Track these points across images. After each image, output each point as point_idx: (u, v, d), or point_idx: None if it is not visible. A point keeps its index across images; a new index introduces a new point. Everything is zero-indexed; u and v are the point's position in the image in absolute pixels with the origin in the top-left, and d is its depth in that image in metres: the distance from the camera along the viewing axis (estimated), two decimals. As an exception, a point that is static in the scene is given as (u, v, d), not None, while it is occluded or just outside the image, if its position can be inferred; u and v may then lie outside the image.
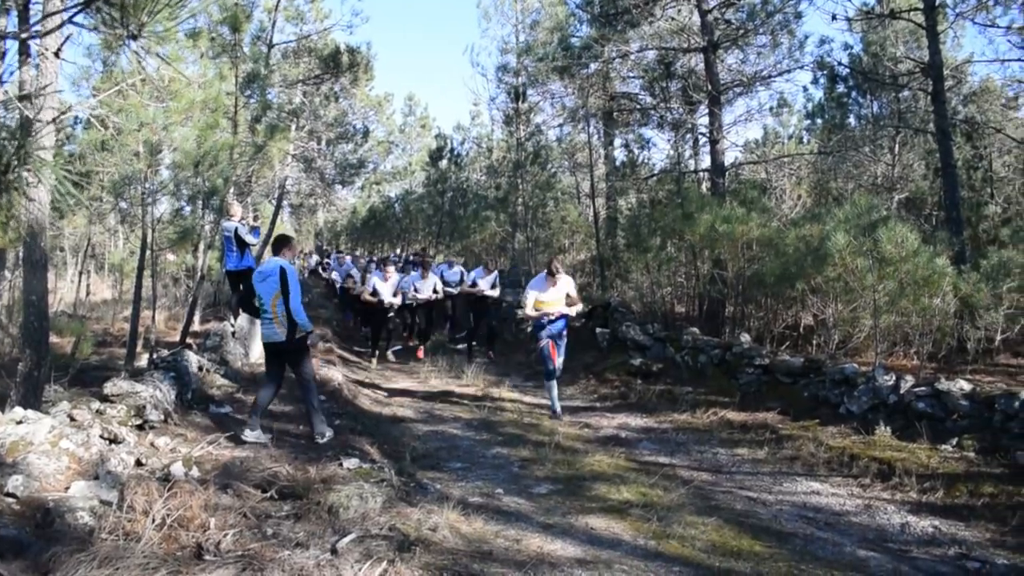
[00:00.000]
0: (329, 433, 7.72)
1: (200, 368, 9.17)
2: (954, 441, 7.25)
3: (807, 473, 7.21)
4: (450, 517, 5.68)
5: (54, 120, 8.18)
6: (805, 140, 23.36)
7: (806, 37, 20.93)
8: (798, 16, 16.51)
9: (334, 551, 4.74)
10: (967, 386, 7.80)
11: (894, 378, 8.33)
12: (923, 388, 8.04)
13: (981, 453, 6.96)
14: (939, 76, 13.44)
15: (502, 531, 5.65)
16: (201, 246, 13.49)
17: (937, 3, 13.80)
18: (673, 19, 17.18)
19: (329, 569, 4.52)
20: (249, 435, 7.32)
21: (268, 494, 5.72)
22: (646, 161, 22.14)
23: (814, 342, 11.06)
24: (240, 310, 11.72)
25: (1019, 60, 15.94)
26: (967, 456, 6.94)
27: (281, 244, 7.96)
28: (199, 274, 13.27)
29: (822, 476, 7.04)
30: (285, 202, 26.17)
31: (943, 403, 7.80)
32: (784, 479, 7.02)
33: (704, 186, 17.95)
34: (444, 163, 27.68)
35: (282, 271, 7.47)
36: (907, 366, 9.77)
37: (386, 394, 11.11)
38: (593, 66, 18.91)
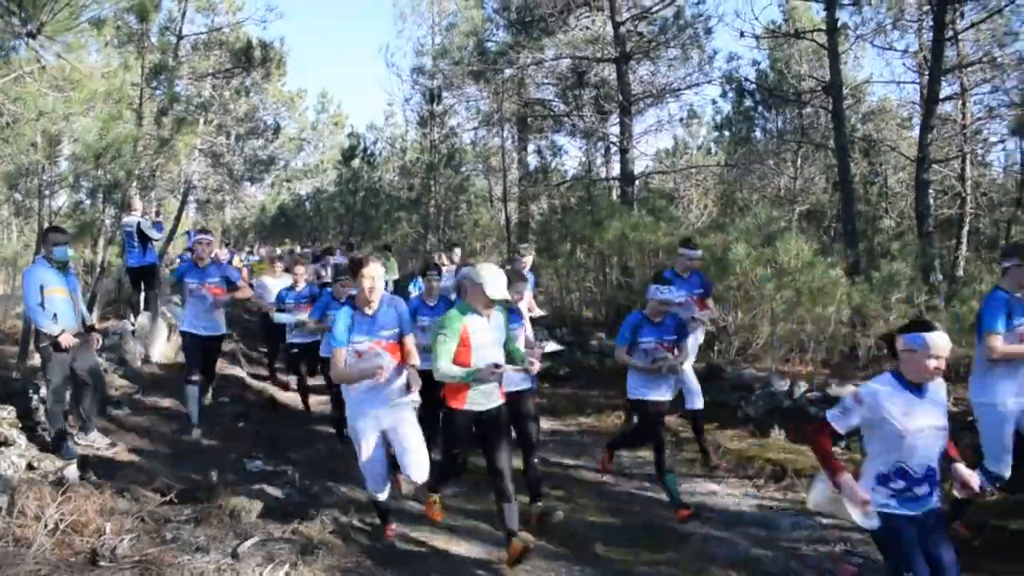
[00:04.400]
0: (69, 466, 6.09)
1: (98, 368, 8.90)
2: (843, 443, 7.59)
3: (706, 475, 7.45)
4: (355, 520, 5.69)
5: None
6: (713, 151, 23.97)
7: (715, 52, 21.47)
8: (708, 31, 17.00)
9: (235, 555, 4.69)
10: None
11: (789, 383, 8.67)
12: (815, 393, 8.40)
13: (867, 455, 7.32)
14: (839, 95, 14.01)
15: (407, 533, 5.69)
16: (101, 241, 13.08)
17: (839, 25, 14.38)
18: (587, 28, 17.44)
19: (230, 573, 4.48)
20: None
21: (168, 498, 5.62)
22: (559, 167, 22.37)
23: (716, 348, 11.38)
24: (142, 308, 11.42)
25: (914, 83, 16.75)
26: (854, 457, 7.26)
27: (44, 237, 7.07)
28: (98, 270, 12.86)
29: (720, 477, 7.29)
30: (191, 197, 25.50)
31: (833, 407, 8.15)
32: (684, 480, 7.21)
33: (615, 194, 18.25)
34: (357, 162, 27.40)
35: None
36: (802, 372, 10.15)
37: (292, 395, 10.97)
38: (508, 71, 19.03)
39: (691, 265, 7.93)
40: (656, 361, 6.31)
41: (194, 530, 5.05)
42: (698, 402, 7.60)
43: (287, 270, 11.62)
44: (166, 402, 9.02)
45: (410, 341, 5.26)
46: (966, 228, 15.45)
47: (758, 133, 22.31)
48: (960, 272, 13.86)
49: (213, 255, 8.66)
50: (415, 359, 5.20)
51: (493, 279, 4.98)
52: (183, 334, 8.14)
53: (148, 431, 7.78)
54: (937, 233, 15.07)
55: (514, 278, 6.29)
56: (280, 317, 9.79)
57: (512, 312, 5.89)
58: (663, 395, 6.43)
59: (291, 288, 10.15)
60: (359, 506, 5.96)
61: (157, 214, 13.32)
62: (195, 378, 7.95)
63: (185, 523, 5.18)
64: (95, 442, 7.04)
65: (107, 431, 7.39)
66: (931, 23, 13.92)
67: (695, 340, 7.81)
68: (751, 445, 7.94)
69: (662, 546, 5.65)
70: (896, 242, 14.66)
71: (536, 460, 6.26)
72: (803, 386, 8.65)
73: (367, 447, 5.23)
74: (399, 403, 5.19)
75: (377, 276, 4.98)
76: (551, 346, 7.50)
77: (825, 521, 6.02)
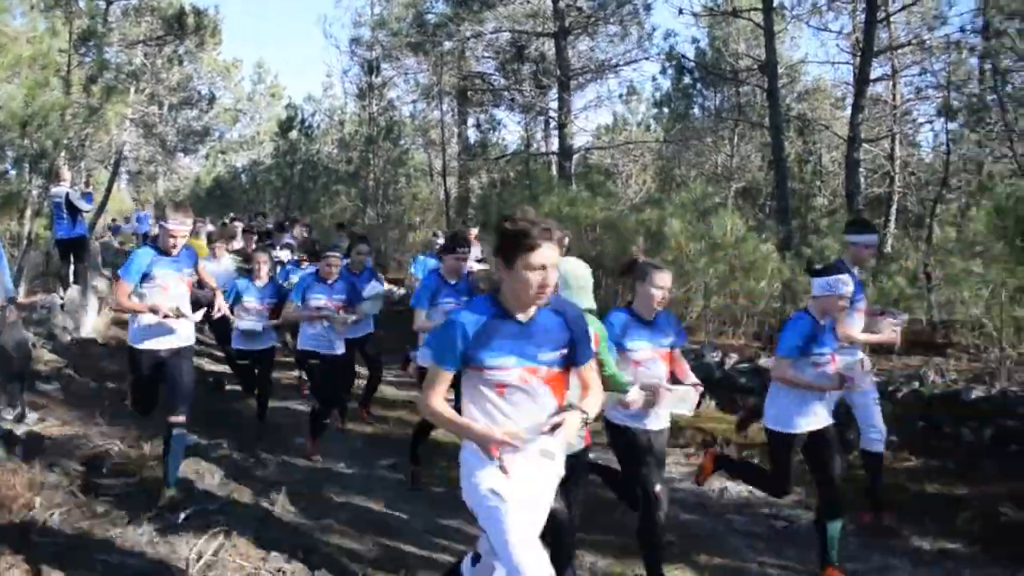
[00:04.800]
0: None
1: (25, 342, 8.67)
2: (745, 433, 7.81)
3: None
4: (291, 491, 5.68)
5: None
6: (653, 128, 24.16)
7: (654, 29, 21.76)
8: (647, 8, 17.24)
9: (169, 526, 4.68)
10: (784, 362, 8.43)
11: (720, 355, 8.87)
12: (746, 364, 8.61)
13: (793, 424, 7.54)
14: (774, 74, 14.22)
15: (344, 503, 5.70)
16: (28, 212, 12.75)
17: (775, 4, 14.58)
18: (527, 2, 17.44)
19: (163, 545, 4.47)
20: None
21: (99, 471, 5.56)
22: (499, 142, 22.39)
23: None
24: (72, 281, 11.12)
25: (847, 63, 17.07)
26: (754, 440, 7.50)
27: None
28: (25, 242, 12.53)
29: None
30: (123, 169, 24.94)
31: (763, 378, 8.37)
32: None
33: (555, 169, 18.35)
34: (294, 134, 27.00)
35: None
36: (734, 344, 10.38)
37: (229, 369, 10.79)
38: (448, 44, 18.95)
39: (867, 256, 5.80)
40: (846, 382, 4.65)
41: (126, 503, 5.01)
42: (878, 442, 5.47)
43: (232, 239, 11.22)
44: (96, 376, 8.85)
45: (590, 372, 3.23)
46: (894, 206, 15.88)
47: (696, 110, 22.58)
48: (888, 249, 14.23)
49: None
50: (598, 393, 3.22)
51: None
52: (136, 352, 5.50)
53: (78, 406, 7.62)
54: (867, 211, 15.42)
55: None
56: (242, 324, 7.79)
57: (632, 319, 4.52)
58: (823, 421, 4.67)
59: (251, 280, 8.03)
60: (292, 477, 5.95)
61: (87, 185, 12.99)
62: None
63: (117, 496, 5.14)
64: (23, 417, 6.90)
65: (36, 406, 7.23)
66: (864, 5, 14.20)
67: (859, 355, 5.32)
68: (682, 415, 8.09)
69: (592, 511, 5.76)
70: (827, 219, 14.99)
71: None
72: (734, 357, 8.86)
73: (517, 528, 2.92)
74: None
75: (554, 265, 2.92)
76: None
77: (752, 488, 6.20)
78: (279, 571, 4.37)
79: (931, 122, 17.62)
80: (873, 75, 14.52)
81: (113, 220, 26.65)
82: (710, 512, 5.79)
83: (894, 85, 16.06)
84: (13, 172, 12.56)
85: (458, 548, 5.04)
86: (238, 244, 11.63)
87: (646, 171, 21.27)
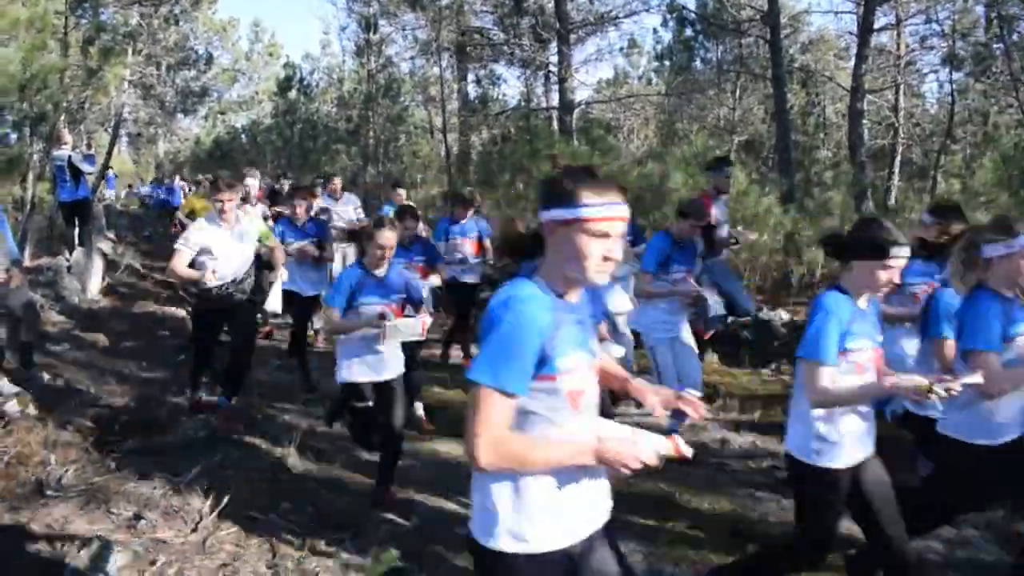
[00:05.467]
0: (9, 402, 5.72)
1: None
2: (773, 365, 7.87)
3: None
4: (299, 446, 5.75)
5: None
6: (654, 81, 23.97)
7: (655, -22, 21.36)
8: (647, -43, 16.91)
9: (181, 481, 4.74)
10: (786, 315, 8.48)
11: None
12: (748, 317, 8.63)
13: (796, 376, 7.61)
14: (776, 24, 14.08)
15: (350, 457, 5.75)
16: (30, 176, 12.75)
17: (778, -48, 14.39)
18: (525, -47, 17.22)
19: (176, 498, 4.52)
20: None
21: (111, 429, 5.62)
22: (499, 97, 22.24)
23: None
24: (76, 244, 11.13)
25: (851, 13, 16.88)
26: (783, 379, 7.55)
27: None
28: (28, 206, 12.54)
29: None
30: (122, 131, 24.85)
31: (765, 331, 8.42)
32: (621, 403, 7.41)
33: (555, 124, 18.25)
34: (293, 93, 26.85)
35: None
36: (737, 298, 10.41)
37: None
38: (445, -1, 18.76)
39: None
40: None
41: (139, 459, 5.07)
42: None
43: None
44: (104, 337, 8.91)
45: None
46: (898, 158, 15.82)
47: (698, 63, 22.37)
48: (892, 201, 14.21)
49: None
50: None
51: None
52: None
53: (88, 366, 7.69)
54: (871, 163, 15.38)
55: None
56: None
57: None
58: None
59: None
60: (302, 433, 6.00)
61: (88, 147, 12.94)
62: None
63: (130, 452, 5.19)
64: (34, 377, 6.96)
65: (46, 366, 7.30)
66: (867, -49, 14.01)
67: None
68: (686, 368, 8.16)
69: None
70: (831, 172, 14.94)
71: None
72: (737, 311, 8.90)
73: None
74: None
75: None
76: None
77: (754, 438, 6.26)
78: (289, 523, 4.44)
79: (936, 72, 17.49)
80: (877, 24, 14.39)
81: (109, 168, 26.42)
82: (712, 464, 5.84)
83: (898, 34, 15.90)
84: (14, 136, 12.52)
85: (463, 499, 5.12)
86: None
87: (648, 125, 21.16)
